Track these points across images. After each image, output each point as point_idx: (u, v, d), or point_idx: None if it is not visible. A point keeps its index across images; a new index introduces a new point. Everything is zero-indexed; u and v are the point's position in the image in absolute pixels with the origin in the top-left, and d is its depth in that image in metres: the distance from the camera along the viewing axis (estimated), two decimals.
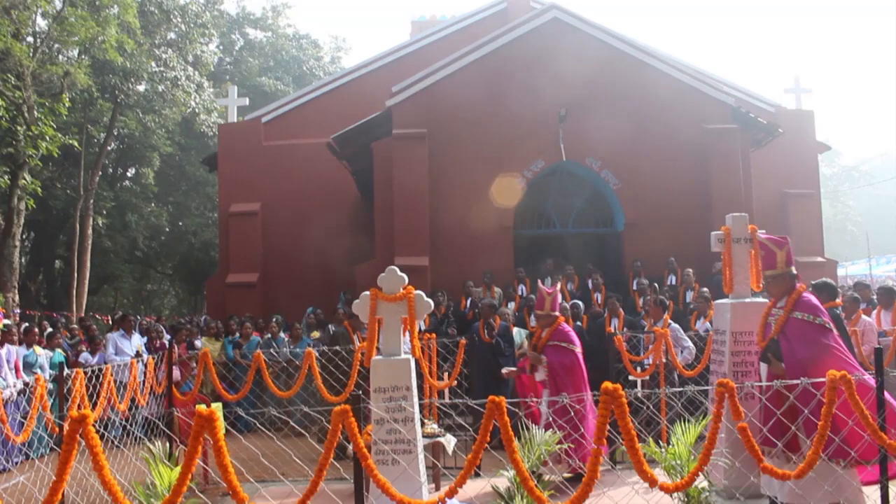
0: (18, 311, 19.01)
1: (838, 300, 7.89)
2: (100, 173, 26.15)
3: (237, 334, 12.71)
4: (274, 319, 13.08)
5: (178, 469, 3.82)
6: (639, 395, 5.24)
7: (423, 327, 10.15)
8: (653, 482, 3.85)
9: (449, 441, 7.18)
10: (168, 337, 12.59)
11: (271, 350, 11.48)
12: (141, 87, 25.27)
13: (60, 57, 22.10)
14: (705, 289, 11.42)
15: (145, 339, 12.52)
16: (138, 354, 10.95)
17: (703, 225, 12.89)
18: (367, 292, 6.39)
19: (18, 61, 18.03)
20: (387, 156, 14.32)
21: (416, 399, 6.27)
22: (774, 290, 5.75)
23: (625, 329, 10.31)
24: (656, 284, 12.58)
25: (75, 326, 14.30)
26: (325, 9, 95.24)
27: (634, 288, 12.94)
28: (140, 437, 7.16)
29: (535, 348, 7.49)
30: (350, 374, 7.98)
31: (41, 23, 21.91)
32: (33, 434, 7.26)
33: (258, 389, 9.88)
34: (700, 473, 4.16)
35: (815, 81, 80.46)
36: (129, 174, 33.01)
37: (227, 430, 3.67)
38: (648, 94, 14.35)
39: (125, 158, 31.21)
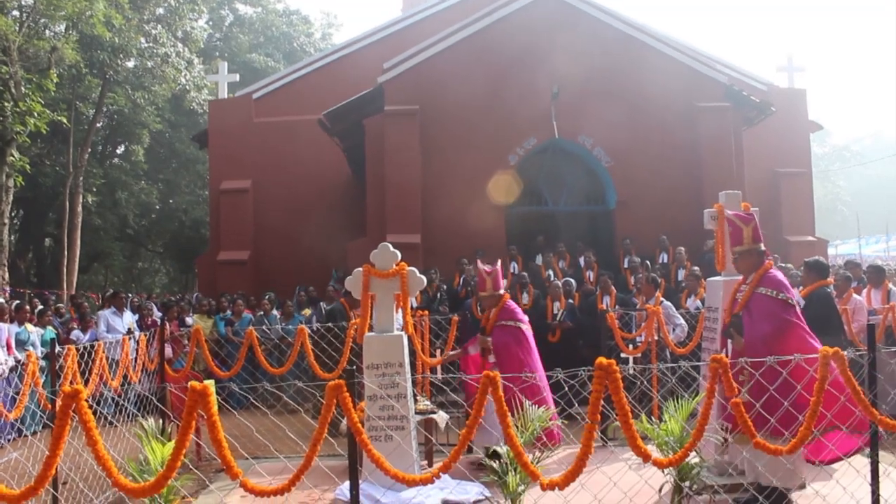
0: (8, 289, 18.93)
1: (829, 279, 7.93)
2: (89, 150, 25.92)
3: (229, 312, 12.69)
4: (266, 297, 13.06)
5: (172, 444, 3.82)
6: (632, 370, 5.25)
7: (414, 304, 10.15)
8: (646, 457, 3.87)
9: (442, 418, 7.20)
10: (159, 314, 12.55)
11: (263, 327, 11.48)
12: (130, 64, 24.99)
13: (47, 32, 21.79)
14: (696, 267, 11.46)
15: (137, 316, 12.49)
16: (130, 332, 10.92)
17: (694, 203, 12.89)
18: (360, 268, 6.38)
19: (4, 35, 17.76)
20: (378, 133, 14.23)
21: (408, 375, 6.29)
22: (742, 266, 5.81)
23: (617, 306, 10.34)
24: (648, 262, 12.61)
25: (62, 305, 14.26)
26: None
27: (625, 266, 12.96)
28: (133, 413, 7.16)
29: (484, 331, 7.32)
30: (342, 350, 7.99)
31: None
32: (26, 410, 7.23)
33: (251, 367, 9.89)
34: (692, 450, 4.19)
35: (807, 61, 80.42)
36: (118, 151, 32.76)
37: (219, 406, 3.65)
38: (641, 71, 14.28)
39: (115, 135, 30.95)
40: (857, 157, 52.55)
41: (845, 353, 4.30)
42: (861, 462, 5.11)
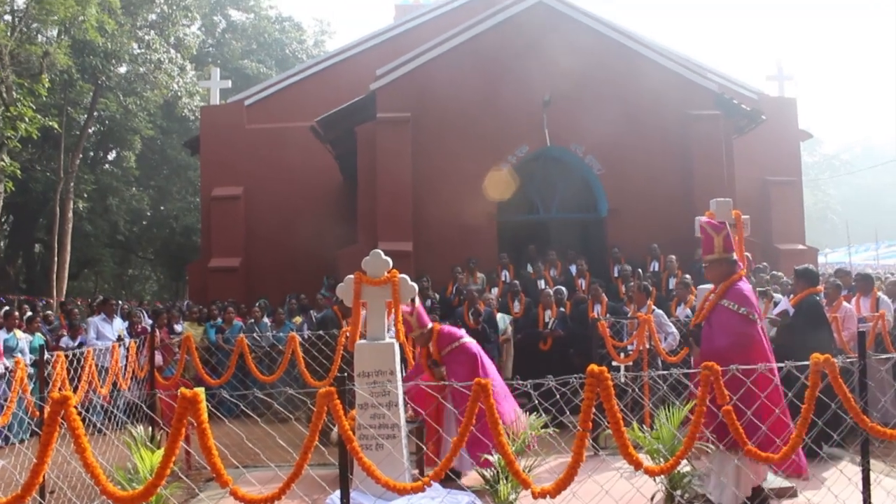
0: None
1: (819, 287, 7.95)
2: (80, 156, 25.82)
3: (219, 319, 12.63)
4: (258, 304, 13.01)
5: (161, 452, 3.79)
6: (623, 379, 5.25)
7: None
8: (637, 465, 3.86)
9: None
10: (149, 321, 12.48)
11: (254, 335, 11.43)
12: (122, 69, 24.96)
13: (39, 37, 21.78)
14: (687, 275, 11.48)
15: (127, 323, 12.42)
16: (120, 339, 10.86)
17: (685, 211, 12.94)
18: (352, 276, 6.36)
19: None
20: (371, 140, 14.23)
21: (400, 383, 6.26)
22: (711, 275, 5.76)
23: (608, 315, 10.34)
24: (640, 270, 12.62)
25: (50, 313, 14.16)
26: None
27: (615, 275, 12.98)
28: (123, 421, 7.11)
29: (436, 363, 7.13)
30: (333, 358, 7.96)
31: (19, 0, 21.55)
32: (13, 417, 7.18)
33: (241, 374, 9.84)
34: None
35: (797, 70, 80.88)
36: (109, 157, 32.65)
37: (210, 414, 3.63)
38: (633, 79, 14.34)
39: (106, 141, 30.84)
40: (847, 167, 52.86)
41: (835, 360, 4.30)
42: (852, 470, 5.11)
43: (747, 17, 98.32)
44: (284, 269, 17.17)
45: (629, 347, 8.80)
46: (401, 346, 6.63)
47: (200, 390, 3.50)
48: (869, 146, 59.94)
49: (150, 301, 27.85)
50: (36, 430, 7.22)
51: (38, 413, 6.42)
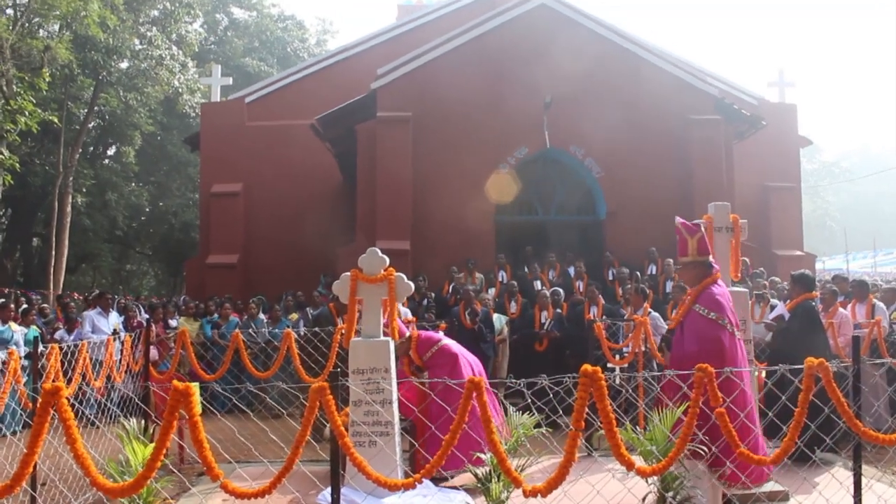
0: None
1: (815, 292, 7.95)
2: (80, 150, 25.78)
3: (216, 314, 12.62)
4: (254, 300, 13.00)
5: (153, 446, 3.79)
6: (618, 380, 5.24)
7: (410, 315, 10.12)
8: (630, 465, 3.85)
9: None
10: (145, 316, 12.47)
11: (250, 331, 11.41)
12: (123, 65, 24.93)
13: (41, 31, 21.75)
14: None
15: (123, 317, 12.41)
16: (115, 332, 10.84)
17: (684, 215, 12.79)
18: (348, 273, 6.35)
19: None
20: (370, 139, 14.23)
21: (394, 381, 6.26)
22: (685, 278, 5.70)
23: (604, 317, 10.35)
24: (638, 273, 12.62)
25: (46, 306, 14.15)
26: None
27: (610, 278, 12.97)
28: (116, 414, 7.10)
29: (420, 369, 7.19)
30: (328, 355, 7.95)
31: None
32: (6, 409, 7.17)
33: (236, 370, 9.83)
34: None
35: (798, 77, 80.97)
36: (109, 152, 32.61)
37: (203, 409, 3.62)
38: (634, 83, 14.35)
39: (106, 136, 30.82)
40: (846, 174, 52.90)
41: (829, 364, 4.30)
42: (844, 474, 5.11)
43: (749, 22, 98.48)
44: (283, 267, 17.16)
45: (625, 349, 8.80)
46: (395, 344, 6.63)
47: (194, 384, 3.49)
48: (868, 154, 60.06)
49: (147, 296, 27.87)
50: (28, 421, 7.22)
51: (30, 405, 6.41)
